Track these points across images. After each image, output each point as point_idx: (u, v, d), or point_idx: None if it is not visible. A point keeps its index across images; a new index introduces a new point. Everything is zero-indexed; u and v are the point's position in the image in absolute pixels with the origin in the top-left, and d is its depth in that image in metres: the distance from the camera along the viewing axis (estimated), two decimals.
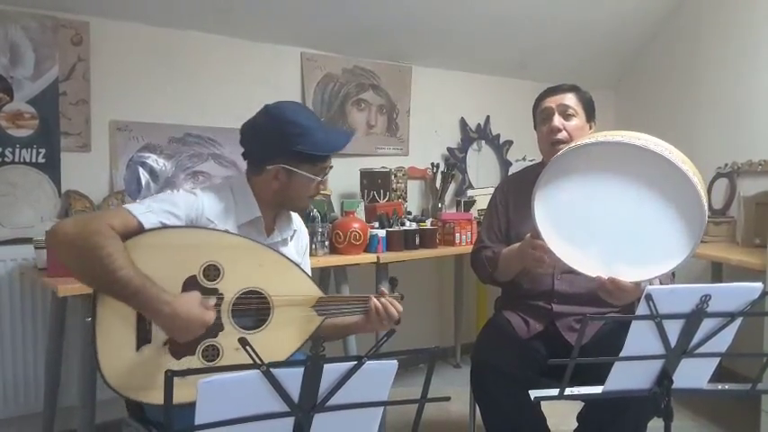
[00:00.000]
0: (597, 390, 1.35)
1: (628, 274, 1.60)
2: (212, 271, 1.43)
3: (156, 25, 2.72)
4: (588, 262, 1.63)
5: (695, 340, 1.29)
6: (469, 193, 3.63)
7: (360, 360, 0.99)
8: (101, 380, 1.36)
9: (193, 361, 1.41)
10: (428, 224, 3.04)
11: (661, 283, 1.66)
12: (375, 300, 1.59)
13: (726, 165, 3.31)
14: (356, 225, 2.70)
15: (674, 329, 1.27)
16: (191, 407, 0.93)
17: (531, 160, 3.43)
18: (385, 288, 1.65)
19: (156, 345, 1.39)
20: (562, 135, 1.93)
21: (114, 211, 1.44)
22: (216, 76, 2.89)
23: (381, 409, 1.09)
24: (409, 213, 3.21)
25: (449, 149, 3.65)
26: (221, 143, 2.89)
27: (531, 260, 1.75)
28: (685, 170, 1.48)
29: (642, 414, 1.70)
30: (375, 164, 3.28)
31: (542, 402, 1.47)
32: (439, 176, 3.49)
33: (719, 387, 1.43)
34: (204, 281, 1.42)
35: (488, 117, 3.79)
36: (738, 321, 1.28)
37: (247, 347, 0.95)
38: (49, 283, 2.09)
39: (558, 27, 3.52)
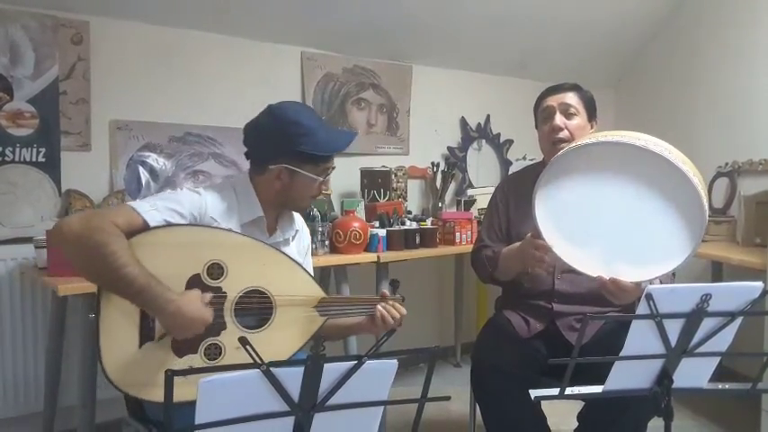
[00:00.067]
0: (597, 389, 1.35)
1: (628, 274, 1.60)
2: (216, 269, 1.44)
3: (157, 24, 2.72)
4: (589, 261, 1.63)
5: (695, 340, 1.29)
6: (470, 192, 3.63)
7: (360, 359, 0.99)
8: (101, 379, 1.37)
9: (196, 359, 1.41)
10: (428, 223, 3.04)
11: (661, 283, 1.66)
12: (380, 308, 1.59)
13: (726, 164, 3.31)
14: (356, 224, 2.70)
15: (674, 329, 1.27)
16: (191, 405, 0.93)
17: (532, 159, 3.43)
18: (386, 290, 1.65)
19: (159, 342, 1.39)
20: (564, 134, 1.93)
21: (119, 208, 1.45)
22: (216, 75, 2.89)
23: (381, 408, 1.09)
24: (409, 213, 3.21)
25: (449, 149, 3.65)
26: (221, 142, 2.89)
27: (531, 260, 1.75)
28: (685, 170, 1.48)
29: (642, 413, 1.70)
30: (375, 163, 3.28)
31: (542, 402, 1.47)
32: (439, 176, 3.49)
33: (720, 386, 1.43)
34: (208, 279, 1.43)
35: (489, 116, 3.79)
36: (739, 321, 1.28)
37: (247, 347, 0.95)
38: (49, 282, 2.09)
39: (558, 27, 3.52)
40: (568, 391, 1.32)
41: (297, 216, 1.75)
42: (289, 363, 1.29)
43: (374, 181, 3.18)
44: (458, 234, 3.03)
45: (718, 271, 3.17)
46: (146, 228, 1.39)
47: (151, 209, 1.42)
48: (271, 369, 0.94)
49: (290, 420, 1.00)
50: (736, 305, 1.26)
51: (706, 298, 1.23)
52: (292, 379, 0.97)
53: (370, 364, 1.00)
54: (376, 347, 1.01)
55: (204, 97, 2.86)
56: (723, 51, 3.40)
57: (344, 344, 2.67)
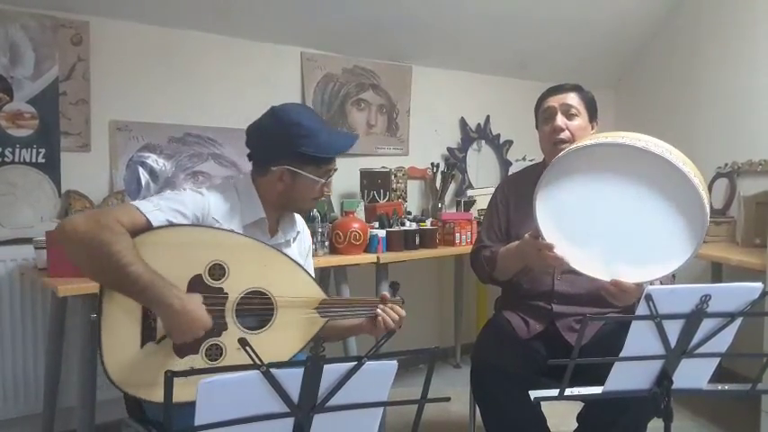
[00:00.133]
0: (597, 390, 1.35)
1: (629, 275, 1.60)
2: (218, 270, 1.44)
3: (156, 25, 2.72)
4: (589, 262, 1.64)
5: (695, 340, 1.29)
6: (469, 192, 3.63)
7: (360, 360, 0.99)
8: (101, 380, 1.37)
9: (197, 360, 1.41)
10: (428, 224, 3.04)
11: (661, 284, 1.66)
12: (381, 312, 1.59)
13: (726, 165, 3.31)
14: (356, 225, 2.70)
15: (673, 330, 1.27)
16: (191, 406, 0.93)
17: (531, 160, 3.43)
18: (386, 292, 1.65)
19: (161, 343, 1.39)
20: (565, 135, 1.92)
21: (123, 207, 1.45)
22: (216, 75, 2.89)
23: (381, 409, 1.09)
24: (409, 213, 3.21)
25: (449, 149, 3.65)
26: (221, 143, 2.89)
27: (540, 262, 1.73)
28: (686, 171, 1.48)
29: (642, 414, 1.70)
30: (375, 164, 3.28)
31: (542, 402, 1.47)
32: (439, 176, 3.49)
33: (719, 387, 1.43)
34: (209, 280, 1.43)
35: (488, 117, 3.79)
36: (738, 321, 1.28)
37: (247, 348, 0.95)
38: (49, 283, 2.09)
39: (558, 27, 3.52)
40: (568, 391, 1.32)
41: (298, 218, 1.75)
42: (288, 364, 1.29)
43: (374, 182, 3.18)
44: (457, 235, 3.03)
45: (717, 272, 3.17)
46: (149, 227, 1.39)
47: (154, 209, 1.42)
48: (270, 370, 0.94)
49: (290, 421, 1.00)
50: (736, 306, 1.26)
51: (705, 299, 1.23)
52: (292, 380, 0.97)
53: (369, 365, 1.00)
54: (376, 348, 1.01)
55: (204, 98, 2.86)
56: (723, 51, 3.40)
57: (344, 345, 2.67)
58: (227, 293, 1.44)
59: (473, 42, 3.49)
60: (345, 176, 3.14)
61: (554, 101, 1.98)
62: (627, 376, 1.33)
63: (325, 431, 1.03)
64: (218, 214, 1.53)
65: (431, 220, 3.16)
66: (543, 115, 2.00)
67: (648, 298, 1.23)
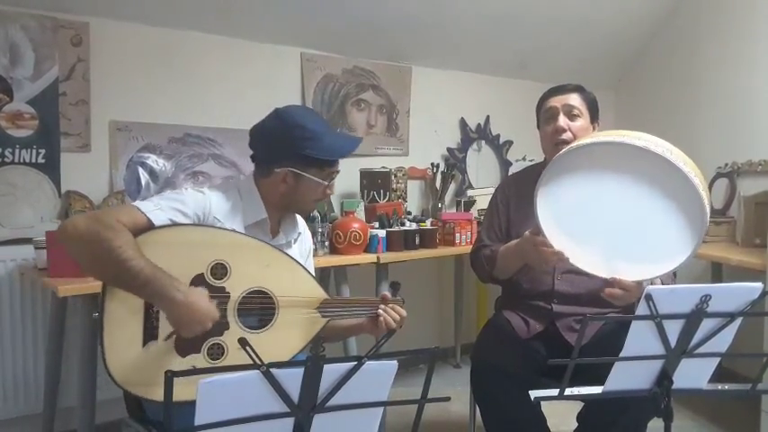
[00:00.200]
0: (597, 390, 1.35)
1: (628, 273, 1.60)
2: (220, 269, 1.44)
3: (156, 25, 2.72)
4: (589, 259, 1.64)
5: (695, 340, 1.29)
6: (469, 193, 3.63)
7: (360, 360, 0.99)
8: (101, 380, 1.37)
9: (198, 359, 1.41)
10: (428, 224, 3.04)
11: (662, 283, 1.67)
12: (383, 312, 1.60)
13: (726, 165, 3.32)
14: (356, 225, 2.70)
15: (673, 329, 1.27)
16: (192, 405, 0.93)
17: (531, 160, 3.43)
18: (387, 292, 1.65)
19: (163, 342, 1.39)
20: (567, 135, 1.92)
21: (123, 207, 1.46)
22: (216, 76, 2.89)
23: (381, 409, 1.09)
24: (409, 213, 3.21)
25: (449, 149, 3.65)
26: (221, 143, 2.89)
27: (539, 257, 1.73)
28: (687, 171, 1.48)
29: (642, 414, 1.70)
30: (375, 164, 3.28)
31: (542, 402, 1.47)
32: (439, 176, 3.49)
33: (719, 387, 1.43)
34: (211, 279, 1.43)
35: (488, 117, 3.79)
36: (738, 321, 1.28)
37: (247, 348, 0.95)
38: (49, 283, 2.09)
39: (558, 27, 3.52)
40: (568, 391, 1.32)
41: (299, 219, 1.76)
42: (288, 364, 1.29)
43: (374, 182, 3.18)
44: (457, 235, 3.03)
45: (717, 272, 3.17)
46: (150, 227, 1.40)
47: (155, 208, 1.42)
48: (270, 370, 0.94)
49: (290, 421, 1.00)
50: (736, 306, 1.26)
51: (705, 299, 1.23)
52: (292, 380, 0.97)
53: (369, 364, 1.00)
54: (376, 348, 1.01)
55: (204, 98, 2.86)
56: (723, 51, 3.41)
57: (344, 345, 2.67)
58: (228, 293, 1.44)
59: (473, 42, 3.50)
60: (345, 176, 3.12)
61: (556, 101, 1.97)
62: (627, 376, 1.33)
63: (325, 431, 1.03)
64: (220, 213, 1.53)
65: (431, 220, 3.16)
66: (545, 115, 2.00)
67: (648, 298, 1.23)
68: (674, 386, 1.33)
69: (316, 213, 2.62)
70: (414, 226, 2.94)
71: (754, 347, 2.34)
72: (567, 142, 1.90)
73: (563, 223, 1.66)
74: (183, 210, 1.46)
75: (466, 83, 3.73)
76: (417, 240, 2.91)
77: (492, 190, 2.27)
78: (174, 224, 1.43)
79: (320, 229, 2.64)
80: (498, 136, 3.84)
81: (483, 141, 3.81)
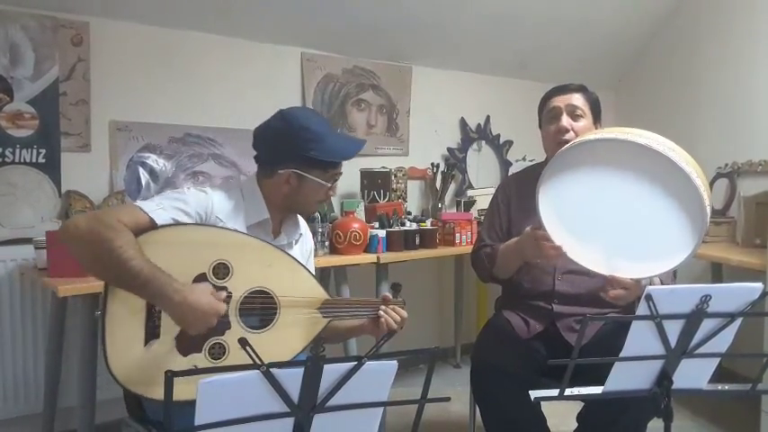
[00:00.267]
0: (597, 390, 1.35)
1: (628, 270, 1.60)
2: (222, 269, 1.44)
3: (156, 25, 2.72)
4: (590, 255, 1.64)
5: (695, 340, 1.29)
6: (469, 193, 3.63)
7: (360, 360, 0.99)
8: (101, 380, 1.37)
9: (200, 358, 1.41)
10: (428, 224, 3.04)
11: (662, 283, 1.67)
12: (384, 314, 1.60)
13: (726, 165, 3.32)
14: (356, 225, 2.70)
15: (673, 330, 1.27)
16: (192, 405, 0.93)
17: (531, 160, 3.44)
18: (388, 293, 1.66)
19: (164, 341, 1.39)
20: (569, 135, 1.91)
21: (125, 207, 1.46)
22: (216, 76, 2.89)
23: (381, 409, 1.09)
24: (409, 213, 3.21)
25: (449, 149, 3.65)
26: (221, 143, 2.89)
27: (538, 253, 1.73)
28: (689, 171, 1.48)
29: (642, 414, 1.70)
30: (375, 164, 3.28)
31: (542, 402, 1.47)
32: (439, 176, 3.49)
33: (719, 387, 1.43)
34: (214, 279, 1.43)
35: (488, 117, 3.79)
36: (738, 322, 1.28)
37: (247, 348, 0.95)
38: (49, 283, 2.09)
39: (558, 27, 3.52)
40: (568, 391, 1.32)
41: (301, 220, 1.76)
42: (288, 364, 1.29)
43: (374, 182, 3.18)
44: (457, 235, 3.03)
45: (717, 272, 3.17)
46: (152, 226, 1.40)
47: (157, 208, 1.42)
48: (270, 370, 0.94)
49: (290, 421, 1.00)
50: (736, 306, 1.26)
51: (706, 299, 1.23)
52: (292, 380, 0.97)
53: (369, 365, 1.00)
54: (376, 348, 1.01)
55: (204, 98, 2.86)
56: (723, 51, 3.41)
57: (344, 345, 2.67)
58: (230, 293, 1.45)
59: (473, 42, 3.49)
60: (346, 176, 3.09)
61: (559, 101, 1.97)
62: (627, 376, 1.33)
63: (325, 431, 1.03)
64: (222, 213, 1.53)
65: (431, 220, 3.16)
66: (548, 115, 1.99)
67: (648, 298, 1.23)
68: (673, 386, 1.33)
69: (316, 213, 2.62)
70: (414, 226, 2.94)
71: (754, 347, 2.34)
72: (569, 142, 1.90)
73: (565, 219, 1.66)
74: (185, 209, 1.46)
75: (466, 83, 3.72)
76: (417, 240, 2.91)
77: (492, 190, 2.26)
78: (177, 224, 1.43)
79: (320, 229, 2.64)
80: (498, 136, 3.84)
81: (483, 141, 3.81)
